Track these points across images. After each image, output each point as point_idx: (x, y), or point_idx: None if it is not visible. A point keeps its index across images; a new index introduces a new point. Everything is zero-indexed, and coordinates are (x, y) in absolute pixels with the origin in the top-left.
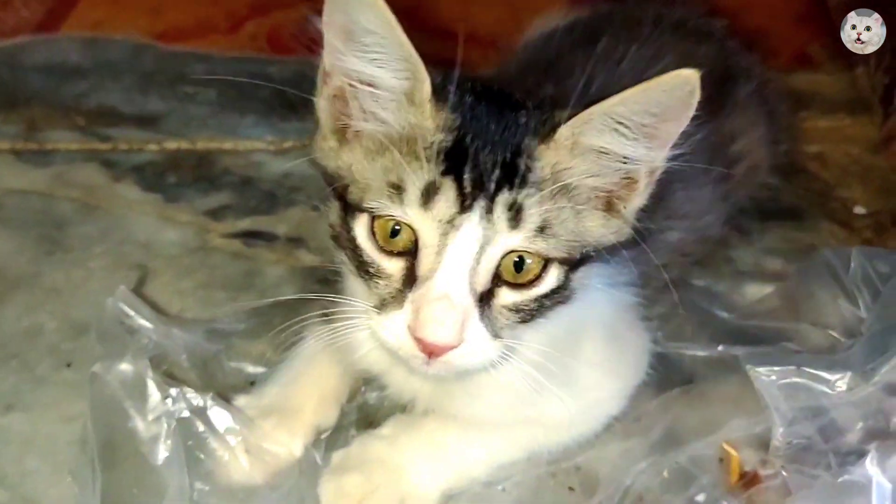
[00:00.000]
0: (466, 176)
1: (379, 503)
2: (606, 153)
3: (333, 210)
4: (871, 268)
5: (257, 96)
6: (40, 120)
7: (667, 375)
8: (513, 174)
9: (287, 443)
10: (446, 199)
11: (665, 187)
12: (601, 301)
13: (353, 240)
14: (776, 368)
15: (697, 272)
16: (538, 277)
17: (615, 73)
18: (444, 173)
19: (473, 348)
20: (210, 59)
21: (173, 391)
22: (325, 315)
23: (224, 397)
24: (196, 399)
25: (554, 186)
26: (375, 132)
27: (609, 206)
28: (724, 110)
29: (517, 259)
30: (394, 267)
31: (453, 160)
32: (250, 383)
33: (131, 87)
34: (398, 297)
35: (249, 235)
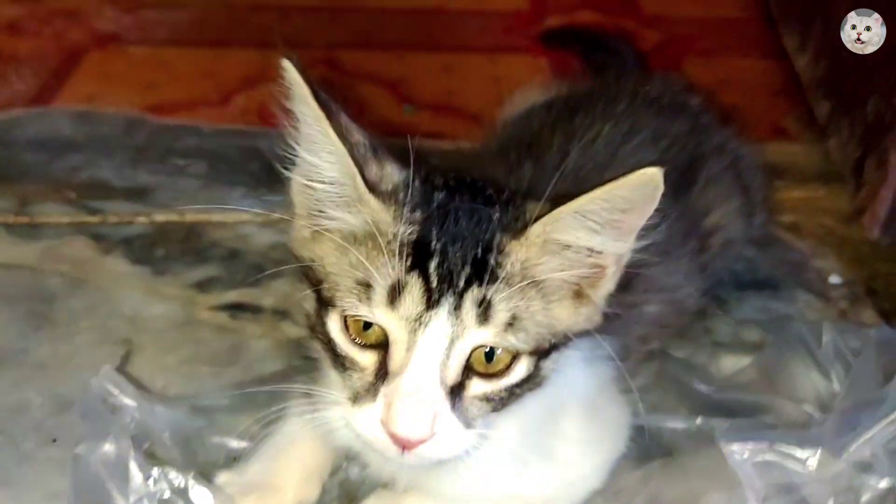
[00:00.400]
0: (432, 271)
1: None
2: (576, 247)
3: (309, 300)
4: (843, 342)
5: (246, 169)
6: (32, 194)
7: (647, 448)
8: (482, 270)
9: None
10: (412, 296)
11: (644, 263)
12: (579, 377)
13: (326, 333)
14: (749, 446)
15: (677, 343)
16: (508, 367)
17: (590, 151)
18: (410, 269)
19: (446, 440)
20: (200, 132)
21: (155, 471)
22: (308, 393)
23: (206, 474)
24: (177, 479)
25: (523, 282)
26: (340, 228)
27: (578, 295)
28: (697, 185)
29: (487, 350)
30: (367, 360)
31: (419, 254)
32: (233, 459)
33: (123, 160)
34: (371, 391)
35: (235, 308)
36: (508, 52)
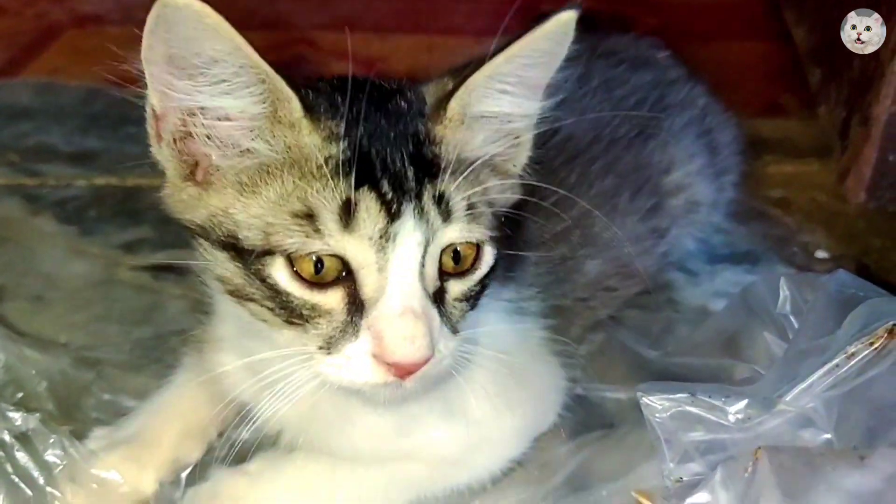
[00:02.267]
0: (384, 181)
1: None
2: (494, 115)
3: (221, 263)
4: (800, 296)
5: None
6: None
7: (586, 420)
8: (425, 166)
9: (134, 476)
10: (369, 212)
11: (583, 214)
12: (501, 329)
13: (272, 287)
14: (668, 396)
15: (633, 314)
16: (476, 260)
17: None
18: (358, 185)
19: (444, 352)
20: None
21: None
22: (199, 339)
23: (86, 432)
24: (20, 421)
25: (463, 167)
26: (247, 166)
27: (500, 170)
28: (656, 139)
29: (454, 249)
30: (332, 300)
31: (358, 169)
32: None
33: (74, 127)
34: (348, 329)
35: (160, 269)
36: (495, 33)
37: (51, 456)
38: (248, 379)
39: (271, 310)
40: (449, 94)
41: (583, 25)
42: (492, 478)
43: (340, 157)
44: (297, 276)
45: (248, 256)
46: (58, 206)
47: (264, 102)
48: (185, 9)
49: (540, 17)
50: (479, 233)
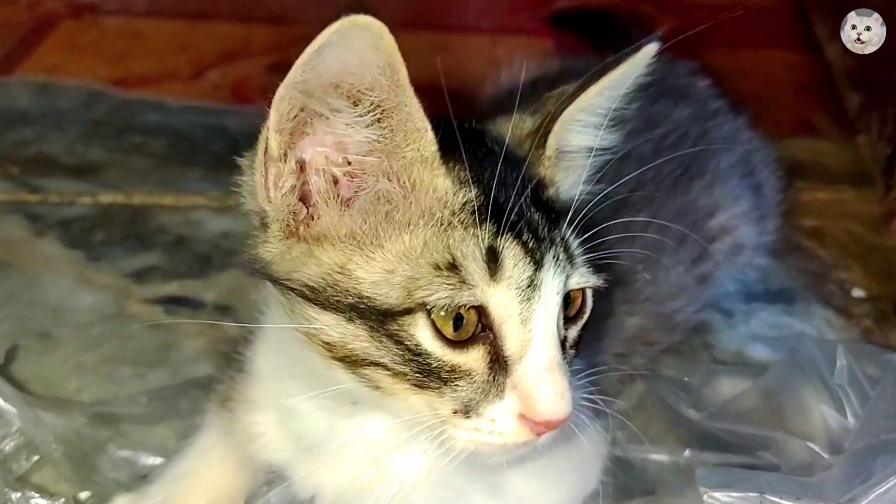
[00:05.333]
0: (523, 228)
1: None
2: (580, 150)
3: (334, 326)
4: (860, 368)
5: (208, 149)
6: None
7: (626, 484)
8: (547, 210)
9: None
10: (516, 261)
11: (625, 270)
12: None
13: (409, 349)
14: (735, 494)
15: (670, 361)
16: (583, 304)
17: None
18: (497, 233)
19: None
20: (165, 107)
21: (15, 495)
22: (226, 397)
23: (104, 495)
24: None
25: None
26: (369, 214)
27: None
28: (701, 181)
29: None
30: (473, 359)
31: (494, 217)
32: (142, 478)
33: (76, 135)
34: (490, 389)
35: (173, 302)
36: (512, 33)
37: None
38: (285, 442)
39: (403, 375)
40: (542, 131)
41: (604, 28)
42: None
43: (476, 203)
44: (439, 334)
45: (378, 317)
46: (62, 226)
47: (408, 133)
48: (370, 29)
49: (556, 15)
50: (590, 277)
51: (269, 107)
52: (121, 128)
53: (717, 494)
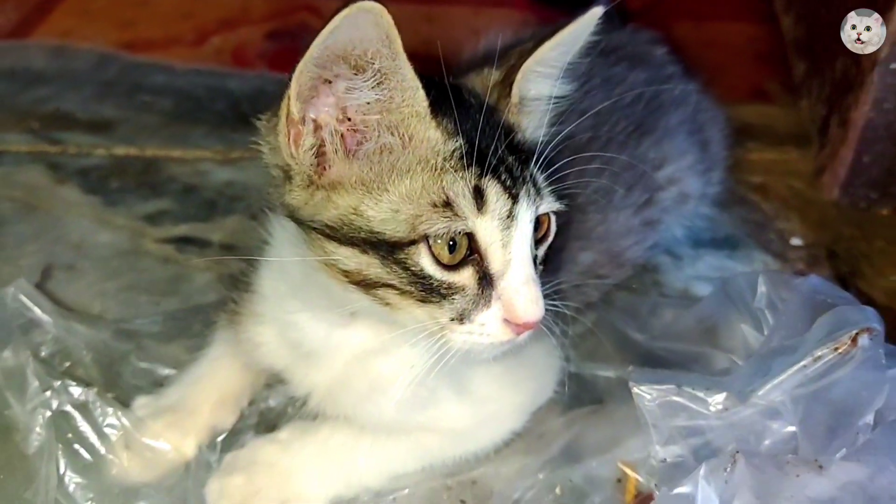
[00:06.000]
0: (501, 170)
1: None
2: (540, 99)
3: (350, 257)
4: (776, 293)
5: (212, 108)
6: None
7: (578, 394)
8: (517, 152)
9: (178, 442)
10: (497, 197)
11: (578, 209)
12: None
13: (415, 273)
14: (657, 387)
15: (622, 295)
16: (549, 226)
17: None
18: (481, 174)
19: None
20: (172, 70)
21: (56, 383)
22: (234, 313)
23: (127, 398)
24: (80, 393)
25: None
26: (376, 163)
27: None
28: (651, 136)
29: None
30: (467, 277)
31: (477, 159)
32: (159, 385)
33: (90, 94)
34: (481, 300)
35: (183, 241)
36: (494, 5)
37: (107, 426)
38: (284, 349)
39: (409, 293)
40: (506, 81)
41: (582, 4)
42: (495, 447)
43: (463, 150)
44: (436, 259)
45: (387, 248)
46: (81, 174)
47: (404, 92)
48: (373, 11)
49: None
50: (553, 203)
51: (289, 79)
52: (131, 87)
53: (643, 388)
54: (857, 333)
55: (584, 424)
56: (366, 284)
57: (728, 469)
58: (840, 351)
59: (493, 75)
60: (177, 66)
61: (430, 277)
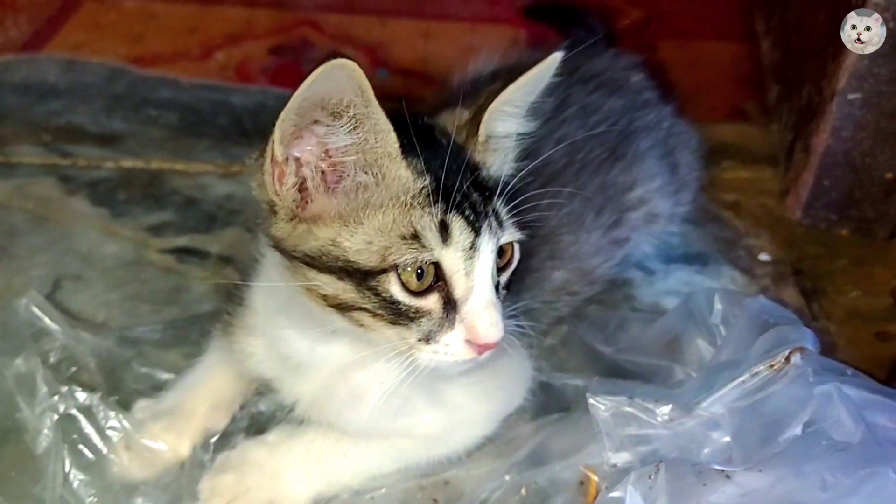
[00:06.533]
0: (465, 206)
1: (249, 502)
2: (506, 137)
3: (329, 284)
4: (730, 311)
5: (215, 122)
6: (10, 135)
7: (547, 402)
8: (482, 188)
9: (174, 443)
10: (461, 230)
11: (551, 232)
12: None
13: (385, 298)
14: (610, 398)
15: (594, 309)
16: (512, 254)
17: None
18: (447, 210)
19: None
20: (178, 84)
21: (63, 389)
22: (228, 324)
23: (129, 401)
24: (84, 398)
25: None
26: (352, 199)
27: None
28: (622, 162)
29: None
30: (433, 302)
31: (444, 197)
32: (158, 389)
33: (100, 108)
34: (445, 323)
35: (184, 252)
36: (489, 22)
37: (109, 428)
38: (273, 360)
39: (381, 316)
40: (474, 122)
41: (573, 20)
42: (466, 451)
43: (430, 188)
44: (404, 286)
45: (361, 276)
46: (90, 187)
47: (377, 134)
48: (346, 67)
49: (531, 6)
50: (515, 233)
51: (273, 125)
52: (139, 102)
53: (598, 398)
54: (790, 352)
55: (550, 431)
56: (342, 308)
57: (652, 476)
58: (775, 368)
59: (464, 115)
60: (182, 81)
61: (399, 303)
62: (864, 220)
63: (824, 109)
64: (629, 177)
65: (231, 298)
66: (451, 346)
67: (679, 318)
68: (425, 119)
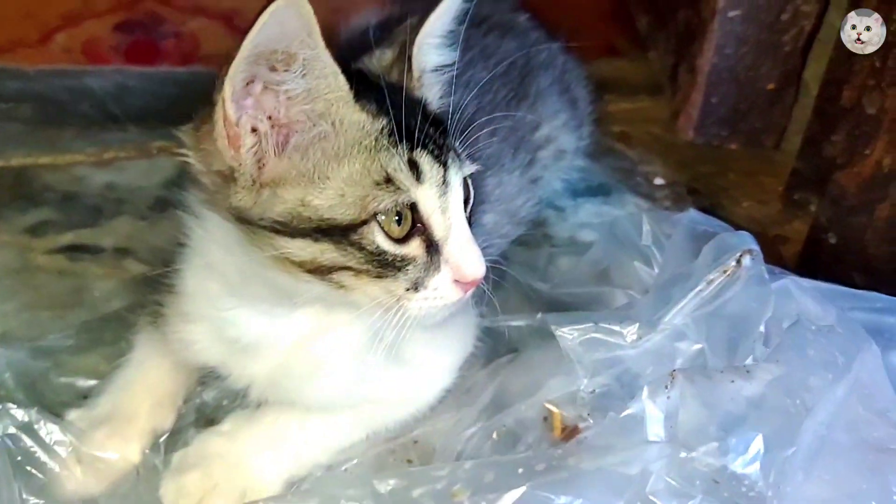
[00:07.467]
0: (429, 142)
1: (220, 498)
2: (435, 70)
3: (303, 248)
4: (660, 230)
5: (77, 110)
6: None
7: (494, 346)
8: (436, 123)
9: (122, 450)
10: (430, 166)
11: (477, 175)
12: None
13: (371, 251)
14: (577, 327)
15: (519, 250)
16: (469, 188)
17: None
18: (412, 147)
19: None
20: (24, 74)
21: None
22: (156, 315)
23: (55, 413)
24: (21, 415)
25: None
26: (313, 153)
27: None
28: (527, 101)
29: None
30: (415, 247)
31: (405, 133)
32: (83, 397)
33: None
34: (431, 266)
35: (74, 250)
36: None
37: (55, 443)
38: (218, 346)
39: (366, 272)
40: (403, 58)
41: None
42: (430, 407)
43: (389, 129)
44: (388, 235)
45: (340, 232)
46: None
47: (327, 78)
48: (296, 4)
49: None
50: (472, 165)
51: (221, 81)
52: None
53: (564, 329)
54: (740, 255)
55: (506, 373)
56: (321, 271)
57: (668, 386)
58: (728, 273)
59: (387, 55)
60: (28, 70)
61: (386, 253)
62: (752, 132)
63: (706, 29)
64: (535, 115)
65: (155, 288)
66: (440, 290)
67: (607, 246)
68: (352, 64)
